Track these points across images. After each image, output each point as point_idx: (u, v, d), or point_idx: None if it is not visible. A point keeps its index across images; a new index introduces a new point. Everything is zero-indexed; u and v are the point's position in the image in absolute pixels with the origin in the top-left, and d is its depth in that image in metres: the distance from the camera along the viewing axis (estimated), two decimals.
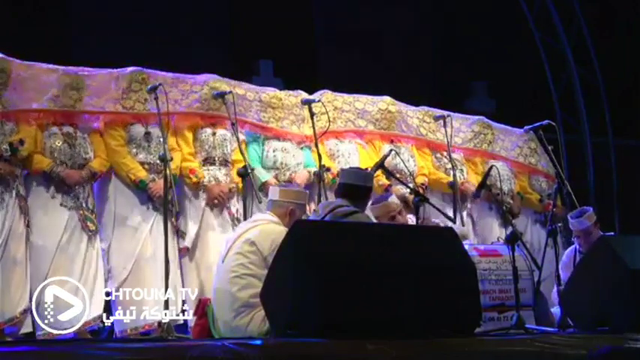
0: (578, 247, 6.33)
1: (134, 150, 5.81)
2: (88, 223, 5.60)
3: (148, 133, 5.81)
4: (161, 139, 5.45)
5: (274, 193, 5.04)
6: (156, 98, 5.49)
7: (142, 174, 5.74)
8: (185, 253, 5.89)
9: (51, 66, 5.73)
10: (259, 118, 6.32)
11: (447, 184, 6.83)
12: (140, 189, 5.74)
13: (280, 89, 6.80)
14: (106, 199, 5.78)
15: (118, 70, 5.91)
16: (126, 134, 5.82)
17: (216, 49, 9.39)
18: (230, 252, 4.77)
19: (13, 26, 8.21)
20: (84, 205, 5.60)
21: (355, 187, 5.04)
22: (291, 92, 6.59)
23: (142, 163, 5.80)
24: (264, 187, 5.93)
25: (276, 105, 6.39)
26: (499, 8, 10.71)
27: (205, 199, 5.94)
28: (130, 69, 5.89)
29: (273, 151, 6.30)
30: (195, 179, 5.90)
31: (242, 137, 6.14)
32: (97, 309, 5.46)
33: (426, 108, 7.18)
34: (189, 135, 6.02)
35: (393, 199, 5.68)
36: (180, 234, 5.89)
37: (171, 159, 5.52)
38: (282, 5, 9.77)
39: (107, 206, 5.77)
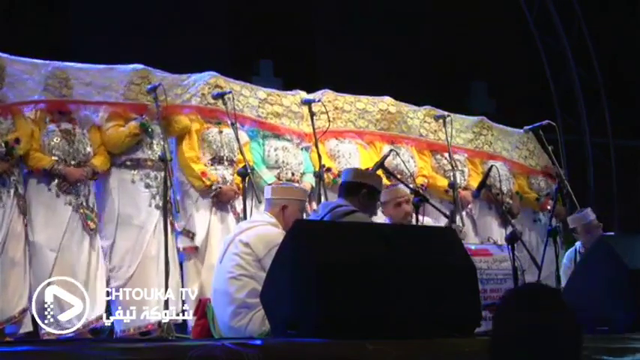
0: (580, 246, 6.35)
1: (135, 145, 5.80)
2: (89, 222, 5.58)
3: (151, 130, 5.80)
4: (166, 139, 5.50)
5: (268, 191, 5.05)
6: (155, 98, 5.50)
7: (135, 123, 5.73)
8: (194, 253, 5.89)
9: (44, 61, 5.73)
10: (258, 114, 6.33)
11: (444, 190, 6.81)
12: (146, 129, 5.73)
13: (280, 89, 6.81)
14: (108, 198, 5.76)
15: (120, 66, 5.92)
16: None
17: (216, 49, 9.39)
18: (227, 252, 4.76)
19: (14, 26, 8.21)
20: (84, 203, 5.58)
21: (347, 183, 5.03)
22: (288, 92, 6.60)
23: (144, 160, 5.80)
24: None
25: (274, 102, 6.41)
26: (499, 8, 10.71)
27: (213, 200, 5.95)
28: (131, 66, 5.91)
29: (275, 150, 6.31)
30: (208, 182, 5.90)
31: (245, 137, 6.16)
32: (100, 308, 5.46)
33: (428, 107, 7.19)
34: (195, 137, 6.02)
35: (402, 187, 5.73)
36: (185, 233, 5.89)
37: (171, 159, 5.53)
38: (281, 5, 9.77)
39: (109, 204, 5.75)
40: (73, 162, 5.56)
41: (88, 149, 5.65)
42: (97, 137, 5.76)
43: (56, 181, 5.51)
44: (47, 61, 5.72)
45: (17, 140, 5.37)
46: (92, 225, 5.59)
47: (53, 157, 5.51)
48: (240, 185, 5.76)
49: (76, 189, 5.56)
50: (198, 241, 5.87)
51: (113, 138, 5.73)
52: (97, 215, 5.67)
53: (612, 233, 7.36)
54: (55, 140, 5.54)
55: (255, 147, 6.29)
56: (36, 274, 5.32)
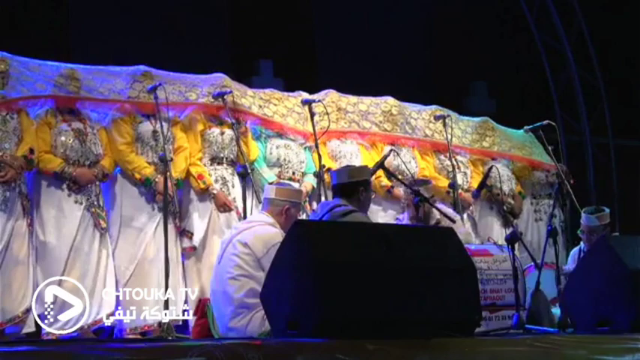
0: (582, 244, 6.34)
1: (141, 149, 5.80)
2: (100, 221, 5.59)
3: (155, 132, 5.80)
4: (170, 139, 5.48)
5: (270, 191, 5.01)
6: (156, 98, 5.51)
7: (148, 171, 5.72)
8: (192, 252, 5.89)
9: (50, 62, 5.74)
10: (264, 112, 6.33)
11: (445, 191, 6.80)
12: (147, 186, 5.73)
13: (281, 89, 6.82)
14: (112, 200, 5.79)
15: (123, 67, 5.93)
16: (134, 132, 5.82)
17: (216, 49, 9.39)
18: (225, 253, 4.76)
19: (13, 26, 8.21)
20: (95, 202, 5.60)
21: (340, 185, 5.03)
22: (291, 94, 6.60)
23: (149, 163, 5.80)
24: None
25: (277, 103, 6.42)
26: (499, 8, 10.70)
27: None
28: (135, 67, 5.92)
29: (276, 147, 6.31)
30: (203, 185, 5.89)
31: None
32: (110, 307, 5.46)
33: (434, 107, 7.18)
34: (198, 137, 6.01)
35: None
36: (186, 234, 5.89)
37: (172, 159, 5.53)
38: (282, 5, 9.77)
39: (114, 207, 5.77)
40: (86, 162, 5.58)
41: (100, 150, 5.67)
42: (105, 138, 5.77)
43: (66, 181, 5.52)
44: (52, 62, 5.74)
45: (32, 151, 5.41)
46: (103, 224, 5.61)
47: (64, 159, 5.52)
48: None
49: (87, 189, 5.56)
50: (196, 240, 5.86)
51: (115, 154, 5.74)
52: (107, 214, 5.69)
53: (617, 233, 7.35)
54: (68, 140, 5.55)
55: (257, 145, 6.29)
56: (47, 274, 5.31)
